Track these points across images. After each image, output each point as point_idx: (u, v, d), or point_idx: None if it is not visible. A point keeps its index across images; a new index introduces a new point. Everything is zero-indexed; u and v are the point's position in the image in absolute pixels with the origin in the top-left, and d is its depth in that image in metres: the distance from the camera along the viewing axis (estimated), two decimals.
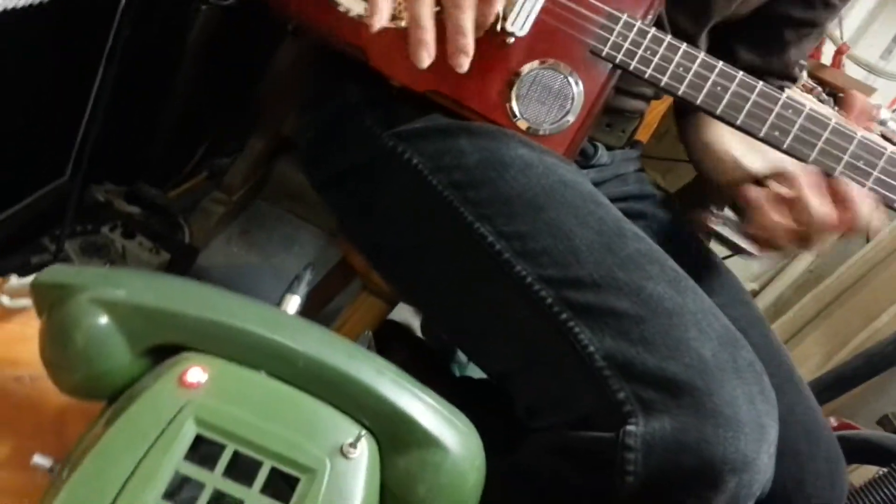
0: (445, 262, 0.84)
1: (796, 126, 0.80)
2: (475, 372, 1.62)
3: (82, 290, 0.49)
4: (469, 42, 0.74)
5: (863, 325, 1.96)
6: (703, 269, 0.98)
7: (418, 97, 0.85)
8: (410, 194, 0.85)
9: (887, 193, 0.80)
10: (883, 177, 0.79)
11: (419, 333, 1.68)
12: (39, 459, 0.48)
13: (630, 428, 0.68)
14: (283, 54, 1.54)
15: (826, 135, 0.80)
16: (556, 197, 0.79)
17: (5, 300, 0.61)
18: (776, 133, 0.81)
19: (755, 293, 2.23)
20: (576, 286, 0.74)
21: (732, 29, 1.00)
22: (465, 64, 0.75)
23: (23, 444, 0.56)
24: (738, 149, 0.93)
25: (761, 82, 0.80)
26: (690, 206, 1.18)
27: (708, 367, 0.69)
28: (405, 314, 1.75)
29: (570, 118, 0.84)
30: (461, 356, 1.70)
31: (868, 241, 1.97)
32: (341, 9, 0.84)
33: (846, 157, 0.79)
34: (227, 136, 1.78)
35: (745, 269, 2.19)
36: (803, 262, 2.15)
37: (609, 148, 1.03)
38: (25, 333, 0.63)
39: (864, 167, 0.80)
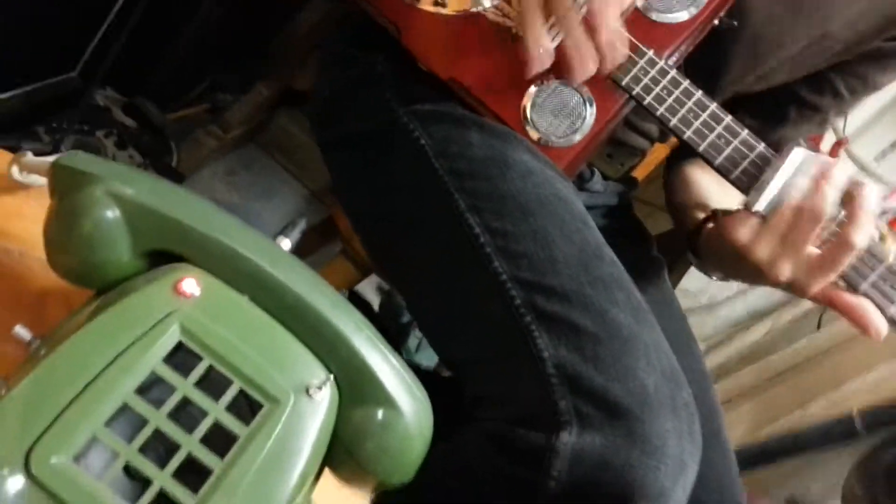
0: (429, 242, 0.86)
1: None
2: (422, 362, 1.65)
3: (100, 180, 0.50)
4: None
5: (796, 406, 2.01)
6: (664, 312, 1.01)
7: (441, 84, 0.88)
8: (411, 171, 0.87)
9: None
10: None
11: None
12: (21, 330, 0.49)
13: (563, 435, 0.71)
14: (311, 7, 1.55)
15: None
16: (548, 207, 0.81)
17: (15, 173, 0.62)
18: None
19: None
20: (546, 294, 0.77)
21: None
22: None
23: None
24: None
25: (763, 144, 0.84)
26: (666, 252, 1.21)
27: (648, 398, 0.72)
28: (366, 292, 1.78)
29: (577, 136, 0.87)
30: (411, 344, 1.72)
31: (819, 327, 2.03)
32: None
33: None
34: (236, 74, 1.78)
35: (700, 330, 2.23)
36: (754, 334, 2.20)
37: (605, 177, 1.06)
38: (22, 210, 0.64)
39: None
